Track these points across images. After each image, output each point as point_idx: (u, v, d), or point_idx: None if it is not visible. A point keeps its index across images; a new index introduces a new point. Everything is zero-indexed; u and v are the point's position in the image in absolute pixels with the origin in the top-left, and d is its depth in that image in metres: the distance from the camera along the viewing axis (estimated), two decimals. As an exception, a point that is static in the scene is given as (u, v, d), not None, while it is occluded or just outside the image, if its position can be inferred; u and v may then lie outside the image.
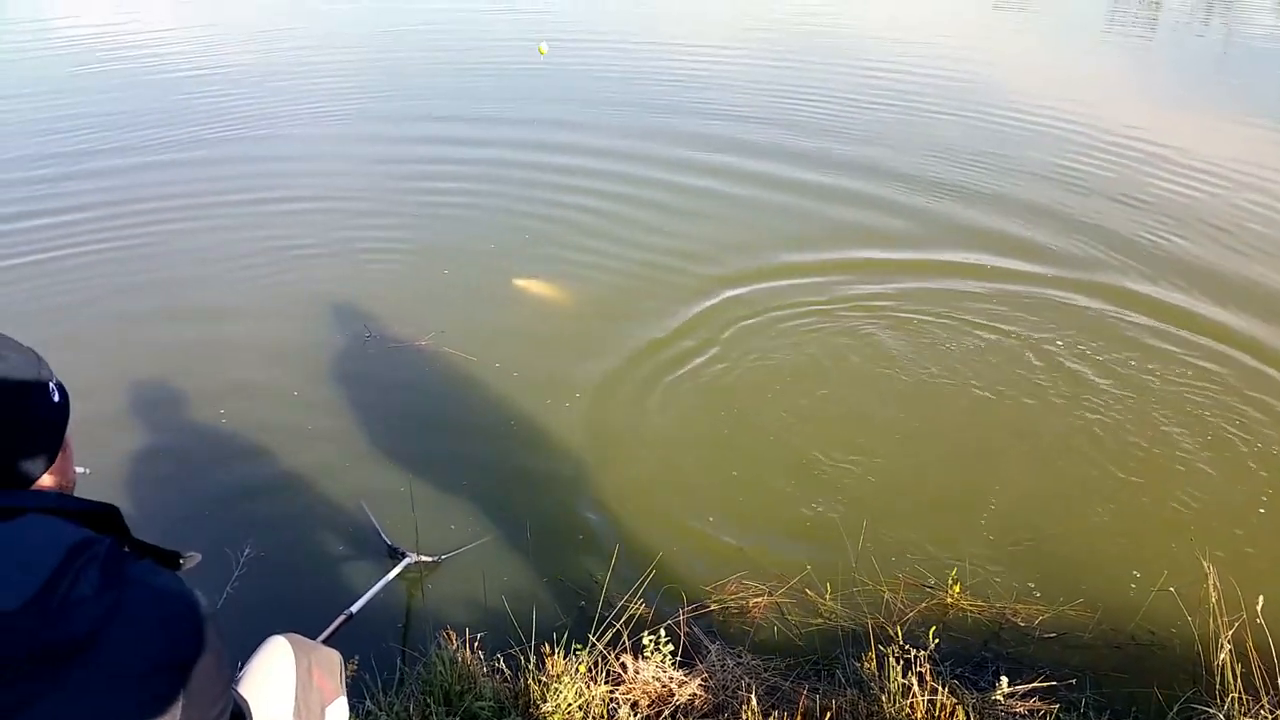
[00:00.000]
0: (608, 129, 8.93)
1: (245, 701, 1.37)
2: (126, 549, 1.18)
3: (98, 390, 4.42)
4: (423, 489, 3.88)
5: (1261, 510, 3.95)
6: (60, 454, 1.28)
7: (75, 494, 1.29)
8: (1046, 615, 3.39)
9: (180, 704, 1.11)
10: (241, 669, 1.76)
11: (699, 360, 5.01)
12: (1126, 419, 4.54)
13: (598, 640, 2.96)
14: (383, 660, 2.99)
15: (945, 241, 6.65)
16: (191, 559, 1.29)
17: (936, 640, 3.00)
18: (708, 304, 5.59)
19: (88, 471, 1.41)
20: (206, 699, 1.17)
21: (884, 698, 2.81)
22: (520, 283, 5.81)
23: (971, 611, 3.42)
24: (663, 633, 3.03)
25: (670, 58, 11.84)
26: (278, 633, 1.87)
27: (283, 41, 12.61)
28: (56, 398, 1.27)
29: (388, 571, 3.40)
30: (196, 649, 1.15)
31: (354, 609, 3.02)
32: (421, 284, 5.84)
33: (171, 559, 1.26)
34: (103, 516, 1.19)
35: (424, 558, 3.53)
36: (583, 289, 5.77)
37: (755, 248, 6.41)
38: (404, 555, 3.48)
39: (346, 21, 14.05)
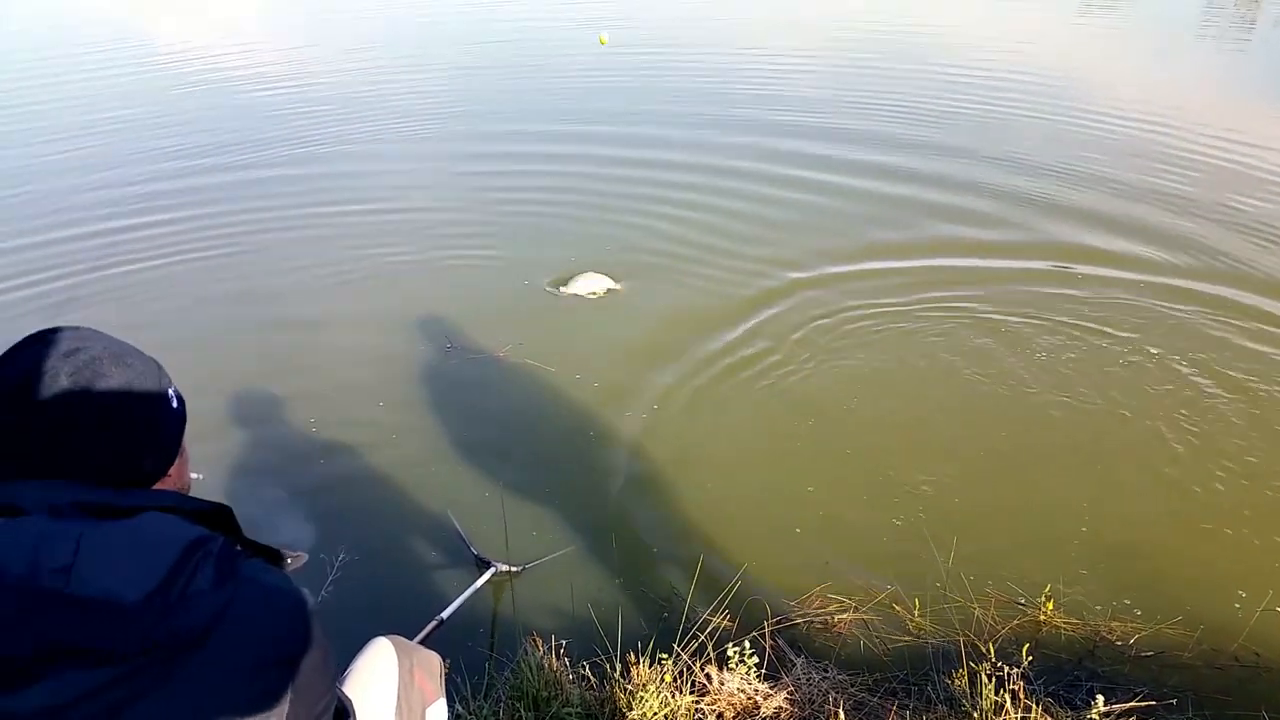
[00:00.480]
0: (690, 133, 9.02)
1: (349, 700, 1.41)
2: (238, 547, 1.22)
3: (192, 396, 4.56)
4: (507, 498, 3.93)
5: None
6: (178, 458, 1.33)
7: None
8: (1144, 633, 3.29)
9: (289, 699, 1.14)
10: (346, 669, 1.81)
11: (780, 366, 5.00)
12: (1231, 430, 4.40)
13: (682, 650, 2.97)
14: (471, 665, 3.03)
15: (1035, 242, 6.57)
16: (298, 559, 1.33)
17: (1030, 658, 2.93)
18: (786, 305, 5.63)
19: (201, 477, 1.46)
20: (313, 694, 1.20)
21: (975, 715, 2.76)
22: (554, 289, 5.88)
23: (1065, 629, 3.34)
24: (747, 645, 3.01)
25: (751, 63, 11.81)
26: (381, 634, 1.91)
27: (370, 60, 12.93)
28: (175, 404, 1.32)
29: (474, 578, 3.46)
30: (305, 645, 1.18)
31: (445, 615, 3.07)
32: (502, 294, 5.91)
33: (278, 558, 1.30)
34: (216, 515, 1.23)
35: (510, 567, 3.57)
36: (663, 295, 5.79)
37: (833, 247, 6.44)
38: (490, 564, 3.53)
39: (430, 40, 14.34)
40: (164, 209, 7.36)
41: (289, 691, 1.15)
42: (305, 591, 1.24)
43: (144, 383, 1.27)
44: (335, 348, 5.34)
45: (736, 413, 4.64)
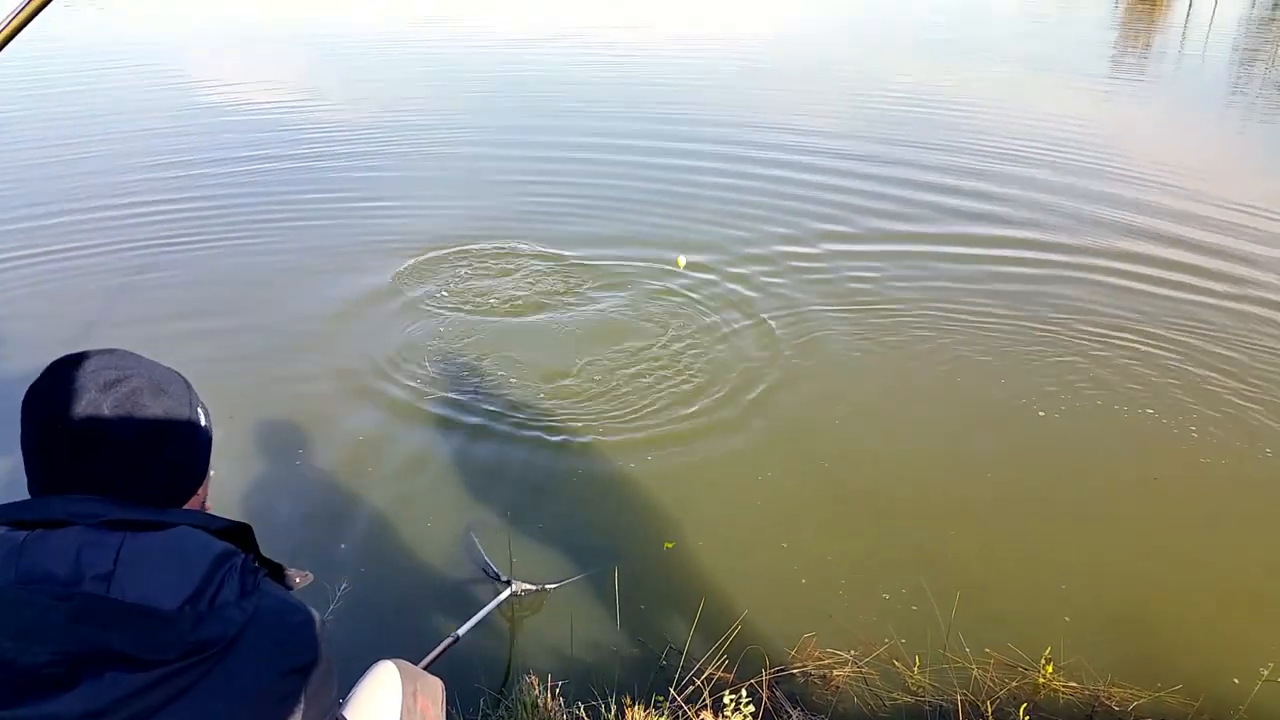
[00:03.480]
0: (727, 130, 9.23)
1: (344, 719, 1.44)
2: (256, 564, 1.28)
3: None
4: (509, 532, 3.96)
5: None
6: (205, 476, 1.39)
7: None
8: (1142, 700, 3.27)
9: (301, 708, 1.19)
10: (350, 691, 1.84)
11: (784, 405, 5.07)
12: (1241, 494, 4.41)
13: (678, 695, 2.97)
14: (465, 697, 3.04)
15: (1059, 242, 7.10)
16: (305, 578, 1.38)
17: (1027, 718, 2.92)
18: (786, 343, 5.68)
19: (213, 473, 1.53)
20: (320, 707, 1.25)
21: (970, 773, 2.74)
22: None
23: (1064, 693, 3.32)
24: (744, 693, 3.00)
25: (762, 118, 12.01)
26: (386, 658, 1.94)
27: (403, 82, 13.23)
28: (203, 422, 1.37)
29: (481, 598, 3.51)
30: (316, 657, 1.24)
31: (461, 632, 3.10)
32: (498, 329, 5.95)
33: (286, 577, 1.35)
34: (238, 533, 1.28)
35: (527, 586, 3.59)
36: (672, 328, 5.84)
37: (826, 274, 6.54)
38: (509, 583, 3.55)
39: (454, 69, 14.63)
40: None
41: (302, 700, 1.20)
42: (312, 608, 1.29)
43: (179, 410, 1.31)
44: (320, 366, 5.40)
45: (741, 457, 4.64)
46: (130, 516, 1.18)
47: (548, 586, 3.66)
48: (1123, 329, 5.97)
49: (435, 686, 2.00)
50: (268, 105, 12.04)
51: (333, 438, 4.72)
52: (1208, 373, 5.45)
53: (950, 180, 8.99)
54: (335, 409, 4.96)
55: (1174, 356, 5.63)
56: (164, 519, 1.21)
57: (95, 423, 1.22)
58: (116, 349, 1.32)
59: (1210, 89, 15.63)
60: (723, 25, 20.61)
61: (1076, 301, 6.36)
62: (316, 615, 1.29)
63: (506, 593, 3.51)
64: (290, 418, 4.88)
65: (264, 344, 5.67)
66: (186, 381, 1.37)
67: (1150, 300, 6.44)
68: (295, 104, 12.11)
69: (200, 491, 1.38)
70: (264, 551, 1.31)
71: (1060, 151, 10.24)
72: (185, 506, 1.34)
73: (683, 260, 6.00)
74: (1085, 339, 5.83)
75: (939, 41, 19.22)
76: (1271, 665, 3.30)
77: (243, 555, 1.24)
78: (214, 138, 10.29)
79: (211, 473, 1.44)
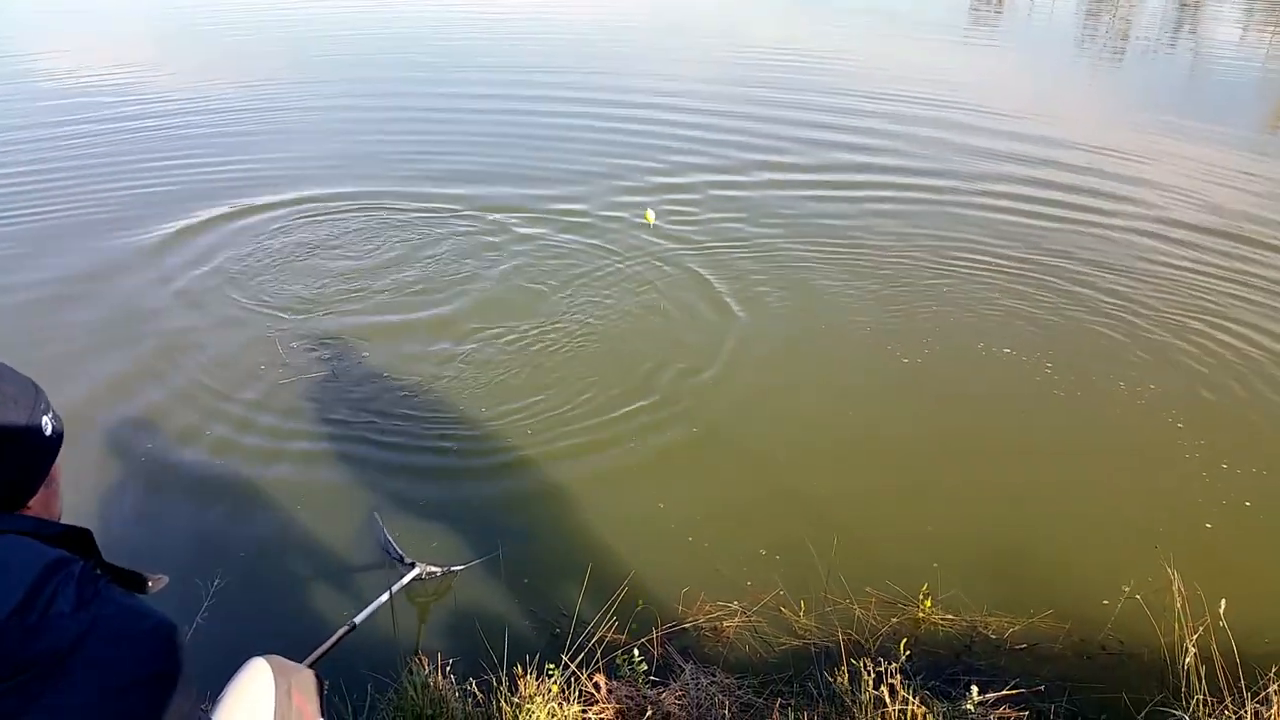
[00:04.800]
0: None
1: None
2: (98, 571, 1.19)
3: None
4: (392, 516, 3.88)
5: (1221, 514, 4.04)
6: (46, 485, 1.29)
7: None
8: (1018, 627, 3.42)
9: None
10: (221, 690, 1.75)
11: (655, 369, 5.08)
12: (1091, 426, 4.66)
13: (570, 660, 2.96)
14: (353, 684, 2.97)
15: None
16: (159, 581, 1.30)
17: (908, 653, 3.02)
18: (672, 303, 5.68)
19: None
20: (176, 717, 1.18)
21: (856, 710, 2.82)
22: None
23: (943, 625, 3.45)
24: (636, 652, 3.02)
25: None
26: (257, 654, 1.86)
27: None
28: (49, 430, 1.28)
29: (371, 584, 3.43)
30: (166, 666, 1.17)
31: (358, 620, 3.02)
32: (365, 296, 5.81)
33: (140, 581, 1.27)
34: (76, 539, 1.20)
35: (431, 569, 3.52)
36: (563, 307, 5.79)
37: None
38: (411, 566, 3.48)
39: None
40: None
41: (153, 712, 1.13)
42: (166, 615, 1.22)
43: (14, 412, 1.23)
44: (203, 342, 5.22)
45: (613, 424, 4.63)
46: None
47: (453, 569, 3.60)
48: (980, 253, 6.45)
49: (308, 680, 1.92)
50: (112, 72, 11.48)
51: (183, 425, 4.54)
52: (1062, 301, 5.76)
53: (818, 123, 9.34)
54: (186, 392, 4.78)
55: (1028, 285, 6.00)
56: None
57: None
58: None
59: (1059, 39, 16.29)
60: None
61: (937, 235, 6.74)
62: (170, 622, 1.21)
63: (409, 576, 3.43)
64: (137, 406, 4.67)
65: (108, 330, 5.38)
66: (35, 385, 1.28)
67: (1011, 228, 6.90)
68: (142, 70, 11.64)
69: (37, 500, 1.29)
70: (129, 558, 1.24)
71: (922, 97, 10.61)
72: (22, 513, 1.25)
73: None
74: (943, 272, 6.16)
75: None
76: (1133, 582, 3.49)
77: (81, 562, 1.15)
78: (46, 106, 9.86)
79: (58, 477, 1.35)
